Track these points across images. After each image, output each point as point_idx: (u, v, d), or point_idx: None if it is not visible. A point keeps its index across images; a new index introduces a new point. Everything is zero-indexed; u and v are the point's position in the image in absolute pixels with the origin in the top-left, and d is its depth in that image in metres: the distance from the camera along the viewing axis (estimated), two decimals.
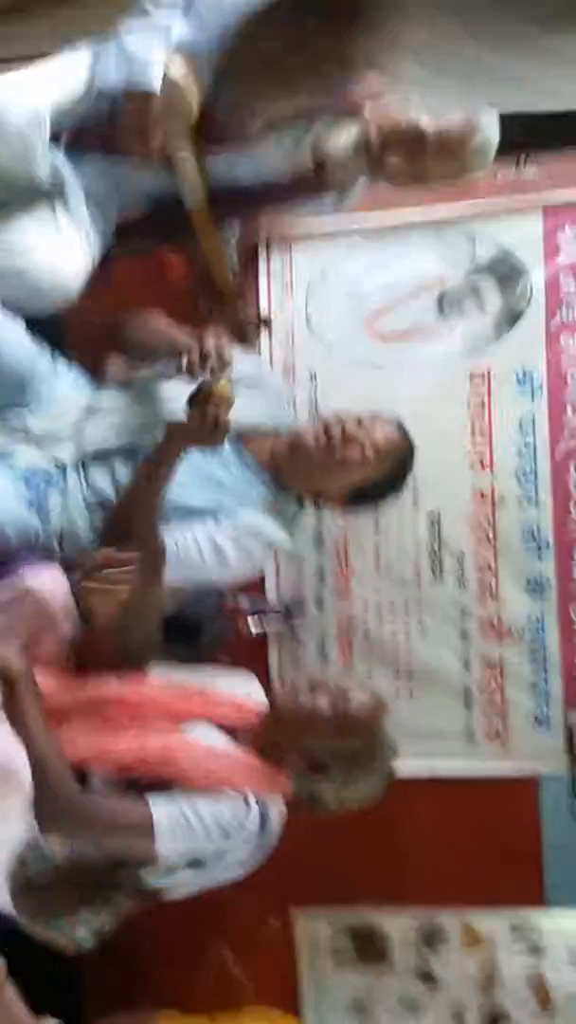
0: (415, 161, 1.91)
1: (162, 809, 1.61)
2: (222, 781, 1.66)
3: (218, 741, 1.73)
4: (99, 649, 1.78)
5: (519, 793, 2.35)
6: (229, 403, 1.78)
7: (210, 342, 1.86)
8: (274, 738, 1.74)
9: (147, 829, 1.59)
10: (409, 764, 2.06)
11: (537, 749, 2.35)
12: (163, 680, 1.83)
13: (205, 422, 1.75)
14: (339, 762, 1.72)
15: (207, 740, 1.73)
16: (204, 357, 1.84)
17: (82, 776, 1.65)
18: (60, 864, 1.62)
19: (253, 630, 2.34)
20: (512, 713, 2.36)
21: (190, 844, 1.63)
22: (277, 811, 1.74)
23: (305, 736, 1.72)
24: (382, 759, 1.77)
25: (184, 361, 1.86)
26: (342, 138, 1.86)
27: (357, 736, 1.72)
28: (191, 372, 1.85)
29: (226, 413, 1.77)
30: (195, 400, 1.77)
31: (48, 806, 1.58)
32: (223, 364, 1.83)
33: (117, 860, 1.64)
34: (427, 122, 1.87)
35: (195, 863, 1.68)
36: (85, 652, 1.80)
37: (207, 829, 1.62)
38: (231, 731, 1.80)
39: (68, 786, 1.59)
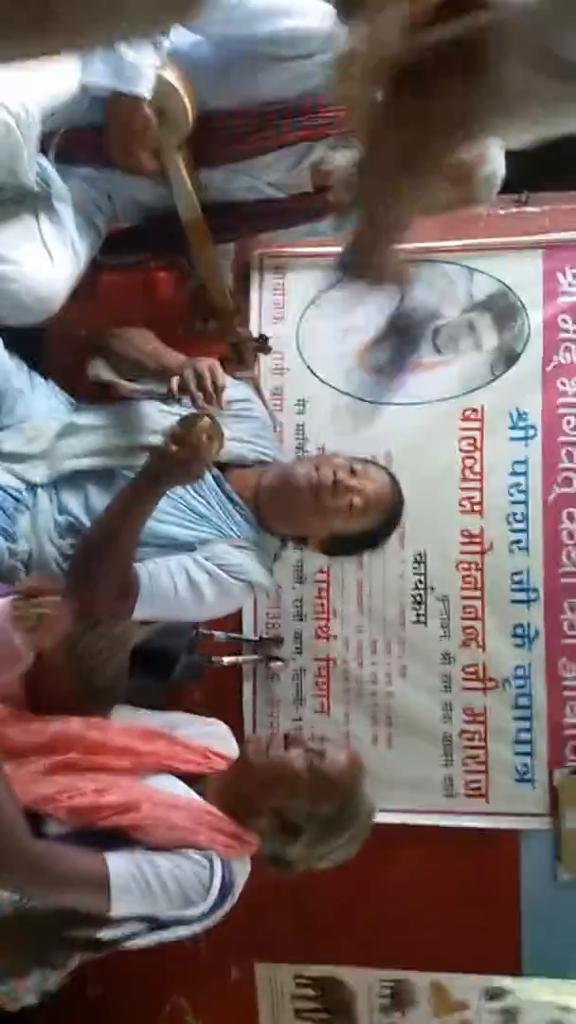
0: None
1: (120, 865, 1.49)
2: (185, 838, 1.54)
3: (183, 794, 1.61)
4: (61, 685, 1.67)
5: (499, 852, 2.25)
6: (219, 436, 1.68)
7: (204, 363, 1.77)
8: (243, 793, 1.63)
9: (103, 885, 1.47)
10: (384, 815, 1.95)
11: (519, 806, 2.25)
12: (126, 722, 1.71)
13: (191, 457, 1.63)
14: (312, 825, 1.61)
15: (172, 792, 1.61)
16: (198, 378, 1.74)
17: (35, 823, 1.52)
18: (7, 919, 1.50)
19: (226, 663, 2.23)
20: (494, 766, 2.26)
21: (148, 906, 1.50)
22: (243, 873, 1.62)
23: (276, 794, 1.60)
24: (358, 824, 1.65)
25: (176, 383, 1.76)
26: (346, 159, 1.78)
27: (333, 799, 1.61)
28: (182, 394, 1.75)
29: (216, 447, 1.67)
30: (180, 433, 1.66)
31: None
32: (217, 387, 1.73)
33: (69, 917, 1.52)
34: None
35: (151, 922, 1.56)
36: (45, 688, 1.68)
37: (167, 892, 1.50)
38: (197, 780, 1.68)
39: (20, 833, 1.46)
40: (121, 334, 1.91)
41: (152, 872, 1.49)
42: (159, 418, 1.87)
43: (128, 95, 1.67)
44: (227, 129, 1.76)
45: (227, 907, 1.60)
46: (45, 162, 1.72)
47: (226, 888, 1.56)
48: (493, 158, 1.86)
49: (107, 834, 1.54)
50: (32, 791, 1.55)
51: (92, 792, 1.55)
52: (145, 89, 1.66)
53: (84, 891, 1.48)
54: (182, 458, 1.63)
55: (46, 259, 1.71)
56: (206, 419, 1.65)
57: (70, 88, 1.66)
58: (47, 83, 1.62)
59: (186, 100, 1.71)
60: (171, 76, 1.69)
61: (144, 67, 1.65)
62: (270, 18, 1.63)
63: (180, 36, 1.71)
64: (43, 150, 1.71)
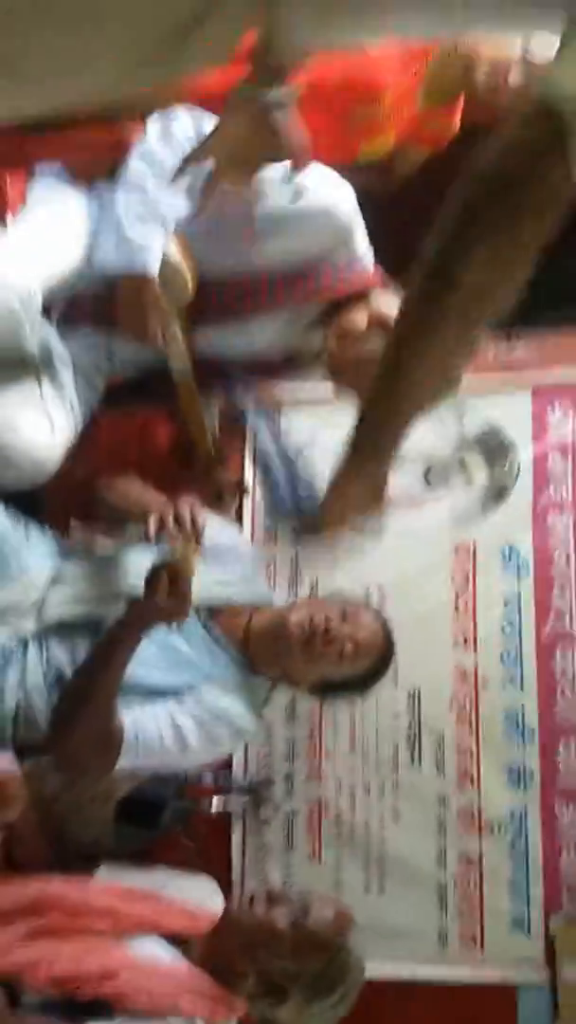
0: None
1: None
2: (167, 1006, 1.50)
3: (166, 958, 1.57)
4: (36, 847, 1.64)
5: (495, 1005, 2.15)
6: (190, 573, 1.69)
7: (185, 503, 1.79)
8: (227, 954, 1.59)
9: None
10: (373, 967, 1.89)
11: (515, 956, 2.17)
12: (110, 882, 1.68)
13: (170, 597, 1.64)
14: (299, 986, 1.56)
15: (154, 956, 1.57)
16: (177, 520, 1.75)
17: (11, 991, 1.48)
18: None
19: (215, 809, 2.19)
20: (489, 914, 2.19)
21: None
22: None
23: (259, 956, 1.56)
24: (348, 981, 1.61)
25: (153, 523, 1.78)
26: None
27: (318, 958, 1.57)
28: (160, 534, 1.77)
29: (188, 585, 1.68)
30: (158, 573, 1.68)
31: None
32: (196, 529, 1.75)
33: None
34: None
35: None
36: (26, 844, 1.66)
37: None
38: (185, 940, 1.64)
39: None
40: (113, 485, 1.95)
41: None
42: (143, 563, 1.88)
43: (138, 275, 1.73)
44: (218, 294, 1.83)
45: None
46: (48, 328, 1.78)
47: None
48: None
49: (86, 1001, 1.50)
50: (7, 957, 1.51)
51: (71, 959, 1.52)
52: (154, 268, 1.73)
53: None
54: (168, 603, 1.64)
55: (46, 426, 1.76)
56: (186, 553, 1.67)
57: (74, 264, 1.73)
58: (52, 259, 1.69)
59: (187, 274, 1.78)
60: (174, 251, 1.76)
61: (153, 248, 1.72)
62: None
63: (183, 206, 1.78)
64: (46, 314, 1.78)
